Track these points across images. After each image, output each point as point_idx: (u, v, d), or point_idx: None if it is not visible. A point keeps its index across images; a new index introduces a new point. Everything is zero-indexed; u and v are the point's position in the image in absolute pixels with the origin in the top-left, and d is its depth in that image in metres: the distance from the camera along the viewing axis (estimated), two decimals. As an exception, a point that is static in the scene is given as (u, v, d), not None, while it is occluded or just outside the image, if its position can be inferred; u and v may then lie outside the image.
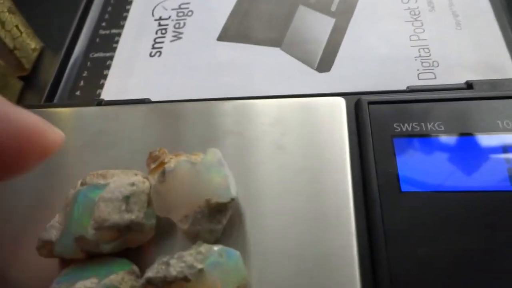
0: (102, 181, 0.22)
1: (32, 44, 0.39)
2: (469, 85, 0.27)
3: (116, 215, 0.20)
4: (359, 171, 0.24)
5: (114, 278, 0.19)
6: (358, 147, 0.25)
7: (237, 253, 0.19)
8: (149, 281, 0.18)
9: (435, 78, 0.30)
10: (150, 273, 0.18)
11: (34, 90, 0.38)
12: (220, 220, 0.21)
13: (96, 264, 0.21)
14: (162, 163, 0.21)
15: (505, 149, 0.23)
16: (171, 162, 0.21)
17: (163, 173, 0.20)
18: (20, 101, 0.37)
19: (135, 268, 0.21)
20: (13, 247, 0.23)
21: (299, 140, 0.25)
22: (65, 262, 0.22)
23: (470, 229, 0.21)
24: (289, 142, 0.25)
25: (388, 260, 0.20)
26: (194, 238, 0.20)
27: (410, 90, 0.28)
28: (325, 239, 0.21)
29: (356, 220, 0.21)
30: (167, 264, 0.18)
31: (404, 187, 0.22)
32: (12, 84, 0.37)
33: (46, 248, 0.21)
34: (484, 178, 0.22)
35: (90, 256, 0.21)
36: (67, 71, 0.37)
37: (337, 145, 0.24)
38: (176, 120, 0.27)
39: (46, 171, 0.26)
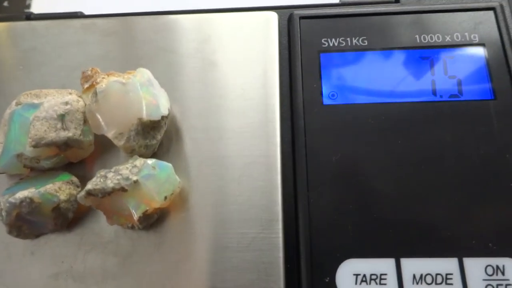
0: (36, 101, 0.22)
1: None
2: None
3: (52, 133, 0.21)
4: (288, 86, 0.25)
5: (50, 187, 0.21)
6: (288, 62, 0.26)
7: (169, 165, 0.21)
8: (89, 193, 0.20)
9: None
10: (90, 185, 0.20)
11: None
12: (155, 136, 0.22)
13: (38, 178, 0.22)
14: (95, 83, 0.22)
15: (424, 62, 0.25)
16: (103, 82, 0.21)
17: (95, 93, 0.21)
18: None
19: (74, 179, 0.22)
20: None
21: (231, 57, 0.26)
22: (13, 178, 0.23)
23: (382, 138, 0.23)
24: (221, 58, 0.25)
25: (306, 167, 0.23)
26: (131, 152, 0.22)
27: (343, 3, 0.28)
28: (252, 150, 0.23)
29: (281, 132, 0.24)
30: (105, 177, 0.20)
31: (326, 101, 0.24)
32: None
33: (-10, 165, 0.22)
34: (402, 90, 0.25)
35: (34, 172, 0.23)
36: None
37: (268, 60, 0.25)
38: (109, 36, 0.27)
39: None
